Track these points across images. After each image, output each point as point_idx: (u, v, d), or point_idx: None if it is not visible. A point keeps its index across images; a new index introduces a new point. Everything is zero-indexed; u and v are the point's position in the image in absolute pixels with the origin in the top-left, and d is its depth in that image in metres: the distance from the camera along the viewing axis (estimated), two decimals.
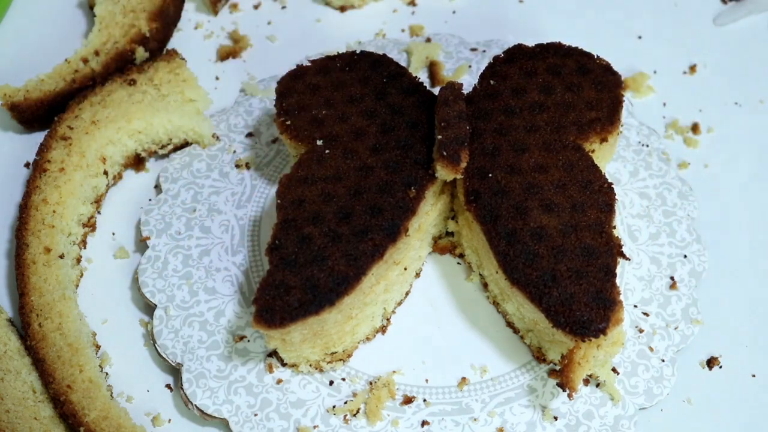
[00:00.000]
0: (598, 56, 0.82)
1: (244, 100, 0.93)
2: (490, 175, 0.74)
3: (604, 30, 1.01)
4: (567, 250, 0.69)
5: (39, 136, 0.90)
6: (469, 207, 0.73)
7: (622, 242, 0.71)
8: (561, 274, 0.68)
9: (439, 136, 0.73)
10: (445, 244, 0.82)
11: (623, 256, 0.71)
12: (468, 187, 0.73)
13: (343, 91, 0.80)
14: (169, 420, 0.75)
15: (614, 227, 0.72)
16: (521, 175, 0.73)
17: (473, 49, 0.96)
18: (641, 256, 0.81)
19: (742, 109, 0.94)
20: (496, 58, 0.83)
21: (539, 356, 0.75)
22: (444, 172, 0.73)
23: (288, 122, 0.79)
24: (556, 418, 0.73)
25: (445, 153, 0.72)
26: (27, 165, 0.91)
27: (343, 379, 0.75)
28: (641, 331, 0.76)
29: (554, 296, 0.67)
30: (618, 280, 0.77)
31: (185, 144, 0.90)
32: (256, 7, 1.04)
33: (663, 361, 0.75)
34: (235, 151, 0.89)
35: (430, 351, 0.77)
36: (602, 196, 0.72)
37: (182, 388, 0.74)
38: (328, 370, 0.75)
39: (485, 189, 0.73)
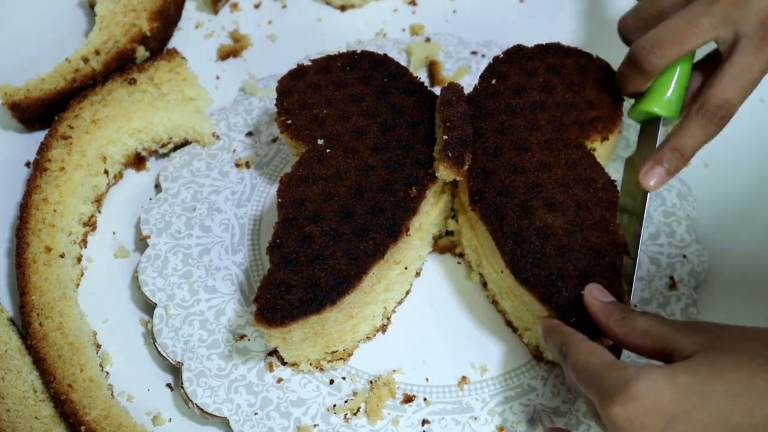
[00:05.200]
0: (597, 56, 0.83)
1: (244, 99, 0.93)
2: (494, 174, 0.74)
3: (604, 30, 1.00)
4: (573, 249, 0.69)
5: (39, 136, 0.89)
6: (473, 207, 0.73)
7: (627, 241, 0.71)
8: (568, 273, 0.68)
9: (445, 136, 0.73)
10: (445, 244, 0.82)
11: (628, 255, 0.70)
12: (472, 187, 0.73)
13: (344, 90, 0.80)
14: (170, 419, 0.75)
15: (618, 225, 0.72)
16: (524, 174, 0.74)
17: (473, 52, 0.96)
18: (641, 256, 0.81)
19: (742, 108, 0.93)
20: (496, 59, 0.83)
21: (537, 354, 0.75)
22: (446, 173, 0.73)
23: (289, 121, 0.79)
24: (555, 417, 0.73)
25: (450, 154, 0.72)
26: (27, 164, 0.91)
27: (344, 378, 0.75)
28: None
29: (563, 296, 0.67)
30: None
31: (185, 143, 0.90)
32: (256, 6, 1.04)
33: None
34: (234, 150, 0.89)
35: (431, 350, 0.77)
36: (605, 194, 0.72)
37: (182, 387, 0.74)
38: (329, 369, 0.75)
39: (489, 189, 0.73)
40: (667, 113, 0.76)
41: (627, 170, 0.81)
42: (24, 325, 0.77)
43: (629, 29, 0.79)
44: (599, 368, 0.58)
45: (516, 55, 0.83)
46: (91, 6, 1.00)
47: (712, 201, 0.86)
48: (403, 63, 0.93)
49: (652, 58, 0.73)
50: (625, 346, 0.63)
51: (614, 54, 0.89)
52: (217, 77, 0.98)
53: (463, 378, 0.75)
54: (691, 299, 0.78)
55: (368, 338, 0.77)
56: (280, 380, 0.74)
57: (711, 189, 0.87)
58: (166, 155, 0.91)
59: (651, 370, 0.56)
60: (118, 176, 0.89)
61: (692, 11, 0.72)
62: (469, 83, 0.91)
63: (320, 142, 0.76)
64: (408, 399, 0.74)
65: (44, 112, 0.91)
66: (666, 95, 0.76)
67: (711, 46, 0.76)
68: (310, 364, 0.74)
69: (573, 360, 0.61)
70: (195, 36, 1.02)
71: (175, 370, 0.77)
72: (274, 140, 0.89)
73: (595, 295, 0.65)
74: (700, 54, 0.78)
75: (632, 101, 0.82)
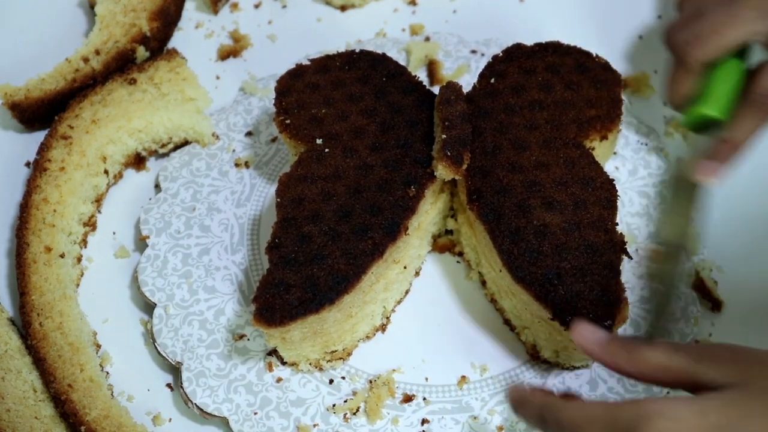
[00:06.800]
0: (596, 55, 0.83)
1: (244, 99, 0.93)
2: (492, 173, 0.74)
3: (604, 30, 1.00)
4: (571, 248, 0.69)
5: (39, 136, 0.90)
6: (471, 206, 0.73)
7: (626, 239, 0.71)
8: (566, 272, 0.68)
9: (443, 135, 0.73)
10: (444, 243, 0.82)
11: (626, 253, 0.70)
12: (470, 186, 0.73)
13: (343, 89, 0.80)
14: (170, 419, 0.75)
15: (617, 224, 0.72)
16: (522, 173, 0.73)
17: (473, 51, 0.96)
18: (641, 255, 0.81)
19: None
20: (495, 57, 0.83)
21: (533, 353, 0.75)
22: (445, 172, 0.73)
23: (287, 121, 0.79)
24: None
25: (449, 153, 0.72)
26: (27, 164, 0.91)
27: (343, 378, 0.75)
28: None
29: (560, 294, 0.67)
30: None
31: (185, 143, 0.90)
32: (256, 6, 1.04)
33: None
34: (234, 150, 0.89)
35: (430, 349, 0.77)
36: (604, 193, 0.72)
37: (182, 387, 0.74)
38: (328, 368, 0.75)
39: (487, 187, 0.73)
40: (719, 114, 0.75)
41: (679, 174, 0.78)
42: (24, 325, 0.77)
43: (674, 33, 0.78)
44: (606, 413, 0.52)
45: (515, 53, 0.83)
46: (91, 6, 1.00)
47: (712, 200, 0.86)
48: (402, 62, 0.93)
49: (694, 51, 0.74)
50: (643, 383, 0.59)
51: (615, 53, 0.89)
52: (217, 77, 0.98)
53: (463, 377, 0.75)
54: (690, 298, 0.78)
55: (368, 338, 0.77)
56: (279, 380, 0.74)
57: (711, 188, 0.87)
58: (166, 155, 0.91)
59: (674, 404, 0.50)
60: (118, 176, 0.90)
61: (732, 4, 0.73)
62: (468, 82, 0.91)
63: (319, 141, 0.76)
64: (407, 398, 0.74)
65: (44, 112, 0.91)
66: (718, 97, 0.76)
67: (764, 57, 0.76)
68: (310, 364, 0.74)
69: (569, 420, 0.53)
70: (195, 36, 1.02)
71: (175, 370, 0.77)
72: (274, 140, 0.89)
73: (587, 337, 0.58)
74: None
75: (632, 100, 0.82)
